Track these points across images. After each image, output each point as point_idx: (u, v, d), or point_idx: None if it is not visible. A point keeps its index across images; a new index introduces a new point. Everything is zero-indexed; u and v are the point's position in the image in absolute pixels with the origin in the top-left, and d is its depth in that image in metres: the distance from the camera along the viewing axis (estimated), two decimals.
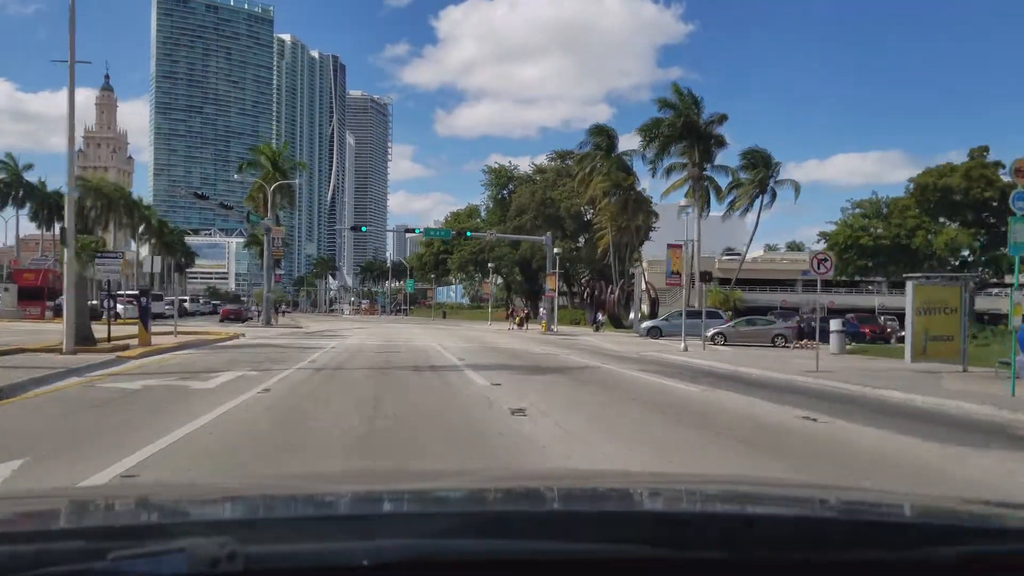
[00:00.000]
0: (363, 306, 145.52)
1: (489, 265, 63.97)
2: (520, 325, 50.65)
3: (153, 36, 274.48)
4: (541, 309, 52.08)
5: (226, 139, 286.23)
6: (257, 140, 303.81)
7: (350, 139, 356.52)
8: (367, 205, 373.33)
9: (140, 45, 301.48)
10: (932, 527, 1.50)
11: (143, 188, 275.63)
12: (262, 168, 56.09)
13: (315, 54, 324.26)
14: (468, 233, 52.05)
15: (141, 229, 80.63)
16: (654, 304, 55.27)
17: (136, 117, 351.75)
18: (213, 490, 2.02)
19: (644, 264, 65.71)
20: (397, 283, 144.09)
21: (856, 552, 1.20)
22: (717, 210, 61.21)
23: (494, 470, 5.43)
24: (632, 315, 55.02)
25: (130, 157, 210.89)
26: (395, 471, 5.20)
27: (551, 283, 46.25)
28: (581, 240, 77.00)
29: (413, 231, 46.62)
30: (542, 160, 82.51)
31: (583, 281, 72.04)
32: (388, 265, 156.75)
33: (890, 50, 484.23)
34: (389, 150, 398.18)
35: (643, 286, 58.38)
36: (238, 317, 53.09)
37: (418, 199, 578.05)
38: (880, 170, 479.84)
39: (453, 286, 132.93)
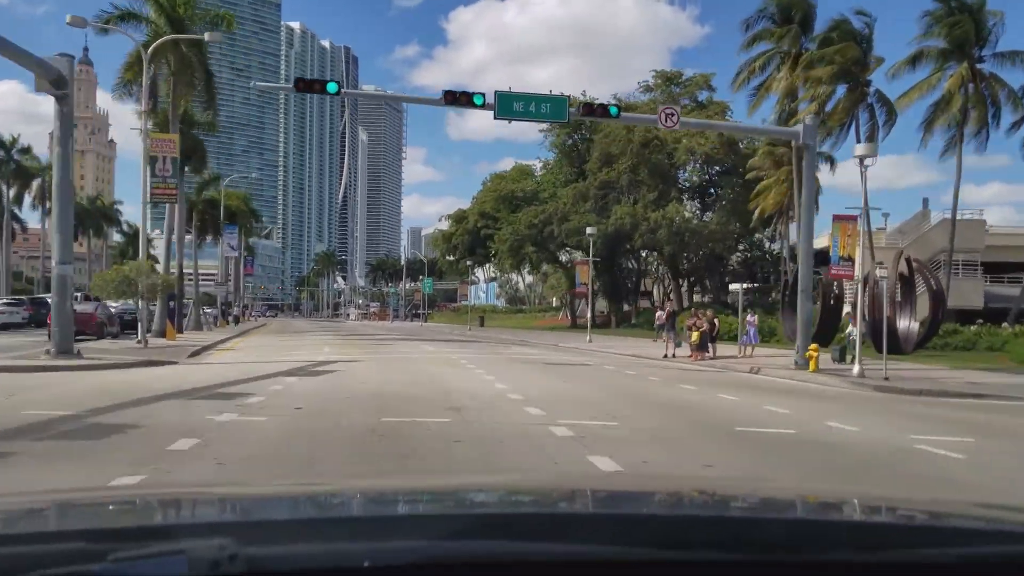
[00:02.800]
0: (372, 310, 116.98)
1: (590, 230, 34.37)
2: (702, 348, 21.57)
3: None
4: (749, 318, 22.88)
5: (229, 131, 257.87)
6: (263, 132, 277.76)
7: (363, 136, 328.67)
8: (380, 205, 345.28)
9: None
10: (934, 529, 1.45)
11: (136, 184, 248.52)
12: (149, 25, 27.30)
13: (326, 44, 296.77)
14: (614, 110, 21.97)
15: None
16: (936, 304, 26.22)
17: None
18: (214, 492, 1.97)
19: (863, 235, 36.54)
20: (413, 283, 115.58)
21: (858, 554, 1.16)
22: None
23: (496, 472, 5.11)
24: (910, 324, 25.86)
25: (112, 141, 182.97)
26: (396, 473, 5.26)
27: (852, 246, 17.10)
28: (692, 203, 48.02)
29: (473, 100, 15.92)
30: (630, 93, 53.55)
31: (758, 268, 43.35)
32: (402, 262, 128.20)
33: None
34: (404, 149, 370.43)
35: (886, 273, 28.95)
36: (85, 328, 24.33)
37: (431, 203, 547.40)
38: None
39: (482, 284, 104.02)
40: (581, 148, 52.22)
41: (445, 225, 59.75)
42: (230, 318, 45.95)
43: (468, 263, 52.88)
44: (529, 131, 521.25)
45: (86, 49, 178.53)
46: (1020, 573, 1.14)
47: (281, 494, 1.86)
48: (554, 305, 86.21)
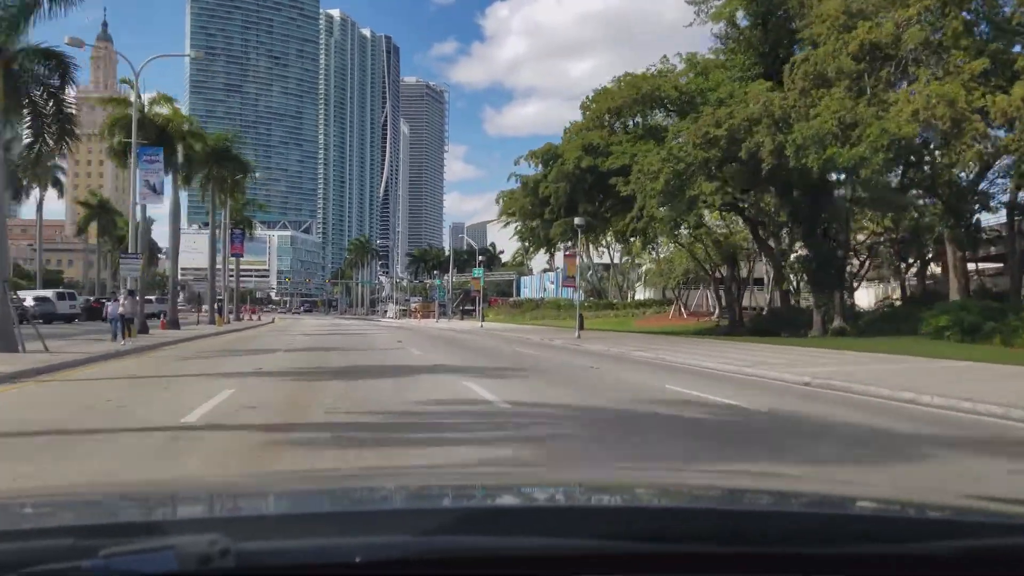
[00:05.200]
0: (413, 306, 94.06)
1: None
2: None
3: (187, 8, 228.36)
4: None
5: (267, 121, 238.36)
6: (302, 123, 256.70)
7: (404, 128, 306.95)
8: (422, 200, 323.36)
9: (177, 38, 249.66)
10: (932, 521, 1.40)
11: None
12: None
13: (367, 32, 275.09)
14: None
15: None
16: None
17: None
18: (205, 486, 1.92)
19: None
20: (460, 276, 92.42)
21: (856, 546, 1.12)
22: None
23: (488, 467, 4.66)
24: None
25: None
26: (388, 468, 4.89)
27: None
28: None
29: None
30: None
31: None
32: (447, 251, 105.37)
33: None
34: (445, 142, 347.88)
35: None
36: None
37: (471, 200, 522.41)
38: None
39: (540, 273, 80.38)
40: (774, 20, 28.00)
41: (526, 171, 35.89)
42: (138, 323, 22.55)
43: (577, 224, 28.11)
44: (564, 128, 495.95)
45: (105, 24, 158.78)
46: (1017, 567, 1.10)
47: (273, 489, 1.77)
48: (644, 298, 61.92)
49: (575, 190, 32.69)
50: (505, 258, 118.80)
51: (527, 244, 36.54)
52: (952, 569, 1.08)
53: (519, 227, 36.48)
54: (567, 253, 32.10)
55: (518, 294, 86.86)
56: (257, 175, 60.33)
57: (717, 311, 48.75)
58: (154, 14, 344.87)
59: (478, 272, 73.04)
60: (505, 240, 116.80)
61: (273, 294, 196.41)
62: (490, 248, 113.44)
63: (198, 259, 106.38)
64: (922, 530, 1.28)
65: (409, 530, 1.13)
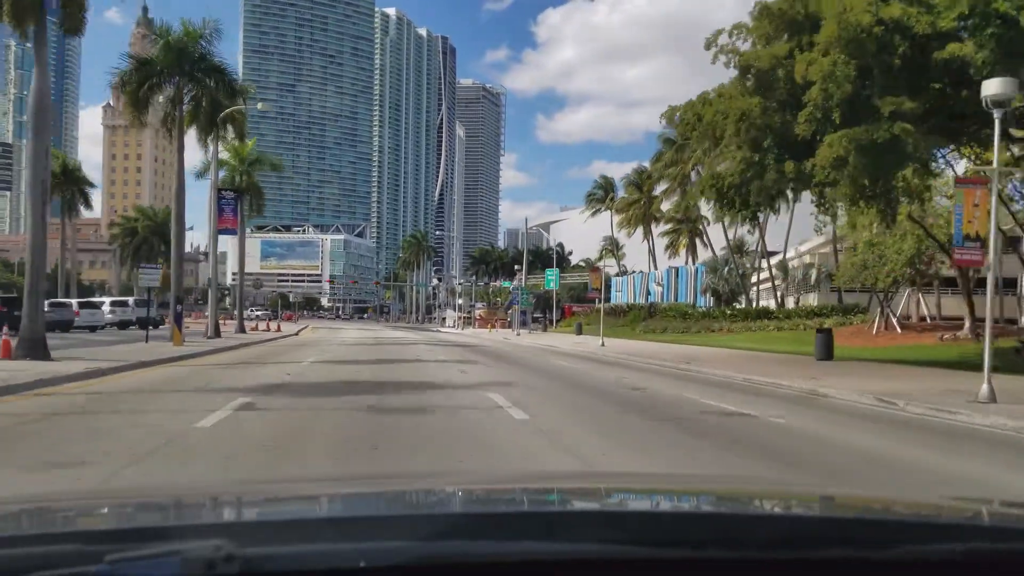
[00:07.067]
0: (478, 313, 77.33)
1: None
2: None
3: (241, 5, 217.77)
4: None
5: (321, 122, 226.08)
6: (356, 124, 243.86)
7: (460, 131, 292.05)
8: (477, 205, 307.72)
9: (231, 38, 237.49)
10: (932, 525, 1.39)
11: None
12: None
13: (423, 32, 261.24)
14: None
15: None
16: None
17: None
18: (210, 492, 1.90)
19: None
20: (531, 278, 75.11)
21: (855, 550, 1.11)
22: None
23: (491, 471, 4.70)
24: None
25: None
26: (392, 473, 4.80)
27: None
28: None
29: None
30: None
31: None
32: (511, 252, 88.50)
33: None
34: (502, 145, 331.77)
35: None
36: None
37: (523, 208, 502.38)
38: None
39: (642, 273, 62.37)
40: None
41: (720, 67, 18.06)
42: None
43: (994, 98, 10.56)
44: (617, 135, 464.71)
45: (145, 8, 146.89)
46: (1018, 570, 1.09)
47: (277, 495, 1.78)
48: (816, 304, 43.37)
49: (869, 70, 14.99)
50: (575, 259, 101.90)
51: (728, 196, 18.65)
52: (951, 571, 1.06)
53: (715, 158, 18.62)
54: (962, 178, 13.99)
55: (607, 299, 69.36)
56: (260, 106, 44.57)
57: (968, 325, 30.28)
58: (207, 11, 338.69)
59: (552, 273, 55.55)
60: (576, 238, 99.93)
61: (325, 299, 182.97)
62: (558, 248, 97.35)
63: (249, 263, 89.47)
64: (922, 533, 1.24)
65: (415, 535, 1.11)
